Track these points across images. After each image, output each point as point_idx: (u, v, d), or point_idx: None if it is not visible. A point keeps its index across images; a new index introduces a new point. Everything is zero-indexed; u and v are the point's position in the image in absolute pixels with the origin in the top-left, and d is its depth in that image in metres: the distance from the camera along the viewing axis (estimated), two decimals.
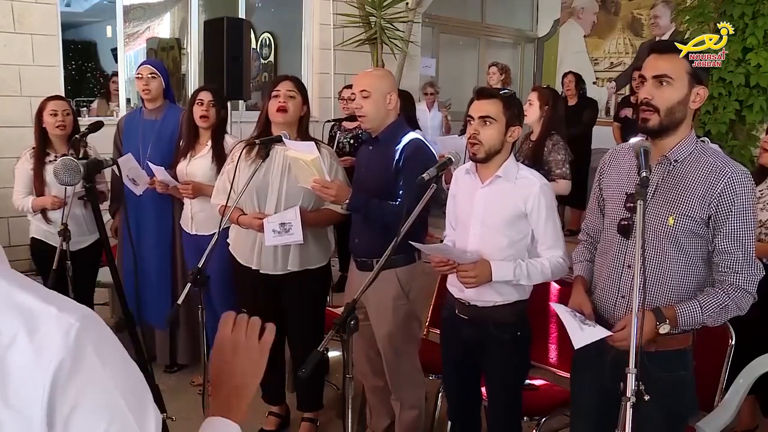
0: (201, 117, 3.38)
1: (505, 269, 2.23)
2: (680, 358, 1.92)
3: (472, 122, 2.29)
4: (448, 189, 2.56)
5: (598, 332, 1.84)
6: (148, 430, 0.74)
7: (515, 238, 2.29)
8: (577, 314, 1.93)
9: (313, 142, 2.71)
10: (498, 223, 2.29)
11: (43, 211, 3.49)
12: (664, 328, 1.79)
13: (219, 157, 3.33)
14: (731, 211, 1.79)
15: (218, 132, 3.42)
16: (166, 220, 3.67)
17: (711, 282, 1.89)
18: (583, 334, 1.84)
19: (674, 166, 1.87)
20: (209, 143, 3.40)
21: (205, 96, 3.41)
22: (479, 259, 2.25)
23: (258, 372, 1.09)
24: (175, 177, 3.41)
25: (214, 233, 3.30)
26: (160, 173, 3.34)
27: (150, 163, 3.41)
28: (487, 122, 2.25)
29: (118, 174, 2.94)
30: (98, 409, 0.69)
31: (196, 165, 3.39)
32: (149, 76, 3.61)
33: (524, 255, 2.31)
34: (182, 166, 3.42)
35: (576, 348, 1.84)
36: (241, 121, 6.09)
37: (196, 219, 3.43)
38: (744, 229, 1.80)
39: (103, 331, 0.74)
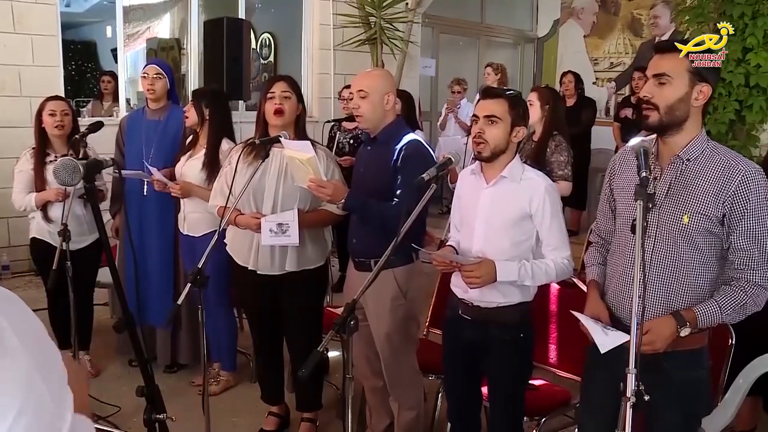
0: (185, 116, 3.45)
1: (509, 269, 2.22)
2: (698, 357, 1.92)
3: (477, 121, 2.29)
4: (453, 189, 2.56)
5: (622, 337, 1.83)
6: (65, 411, 0.69)
7: (520, 238, 2.29)
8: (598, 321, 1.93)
9: (309, 142, 2.72)
10: (503, 223, 2.28)
11: (45, 210, 3.50)
12: (685, 332, 1.81)
13: (210, 161, 3.32)
14: (746, 209, 1.81)
15: (212, 134, 3.37)
16: (168, 220, 3.67)
17: (723, 279, 1.90)
18: (608, 338, 1.84)
19: (687, 165, 1.88)
20: (206, 145, 3.40)
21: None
22: (483, 258, 2.25)
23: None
24: (173, 175, 3.44)
25: (205, 234, 3.31)
26: (155, 173, 3.34)
27: (145, 163, 3.43)
28: (493, 121, 2.25)
29: (118, 175, 2.95)
30: (12, 390, 0.64)
31: (190, 166, 3.39)
32: (155, 76, 3.62)
33: (528, 256, 2.30)
34: (179, 166, 3.44)
35: (603, 353, 1.83)
36: (241, 122, 6.08)
37: (189, 220, 3.44)
38: (759, 227, 1.82)
39: (19, 307, 0.71)
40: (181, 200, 3.43)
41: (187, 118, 3.44)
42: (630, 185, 1.98)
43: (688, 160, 1.88)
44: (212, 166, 3.30)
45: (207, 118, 3.37)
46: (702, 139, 1.90)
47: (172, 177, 3.44)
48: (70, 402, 0.70)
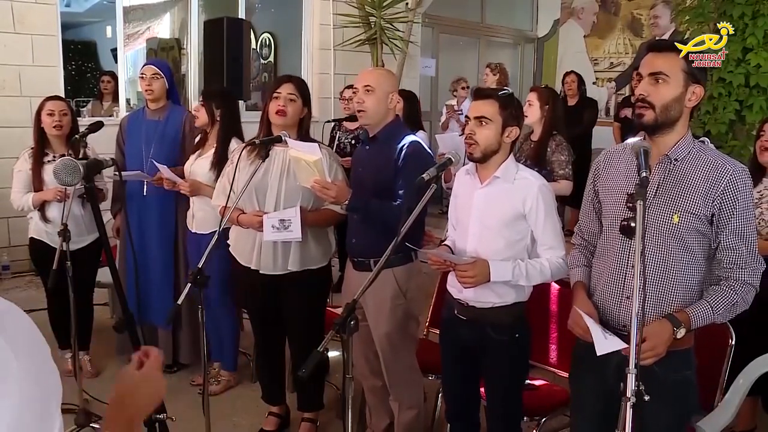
0: (195, 116, 3.47)
1: (503, 269, 2.22)
2: (685, 357, 1.93)
3: (469, 122, 2.29)
4: (447, 189, 2.57)
5: (620, 343, 1.83)
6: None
7: (514, 238, 2.29)
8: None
9: (316, 144, 2.72)
10: (496, 223, 2.28)
11: (42, 210, 3.50)
12: (680, 333, 1.81)
13: (219, 161, 3.32)
14: (735, 208, 1.83)
15: (222, 134, 3.39)
16: (168, 219, 3.68)
17: (712, 279, 1.90)
18: (607, 342, 1.84)
19: (675, 164, 1.89)
20: (215, 145, 3.40)
21: (201, 97, 3.51)
22: (477, 258, 2.25)
23: (160, 396, 1.23)
24: (182, 173, 3.45)
25: (213, 232, 3.32)
26: (165, 171, 3.35)
27: (154, 161, 3.43)
28: (483, 123, 2.25)
29: (118, 175, 2.95)
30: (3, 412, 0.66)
31: (199, 165, 3.41)
32: (152, 76, 3.62)
33: (523, 256, 2.30)
34: (188, 164, 3.46)
35: (598, 355, 1.83)
36: (241, 122, 6.09)
37: (197, 218, 3.45)
38: (747, 225, 1.85)
39: (21, 325, 0.72)
40: (191, 199, 3.45)
41: (196, 118, 3.46)
42: (617, 185, 1.98)
43: (676, 159, 1.88)
44: (221, 165, 3.30)
45: (218, 118, 3.40)
46: (689, 139, 1.91)
47: (180, 176, 3.45)
48: (56, 424, 0.72)
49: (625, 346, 1.80)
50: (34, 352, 0.72)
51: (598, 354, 1.83)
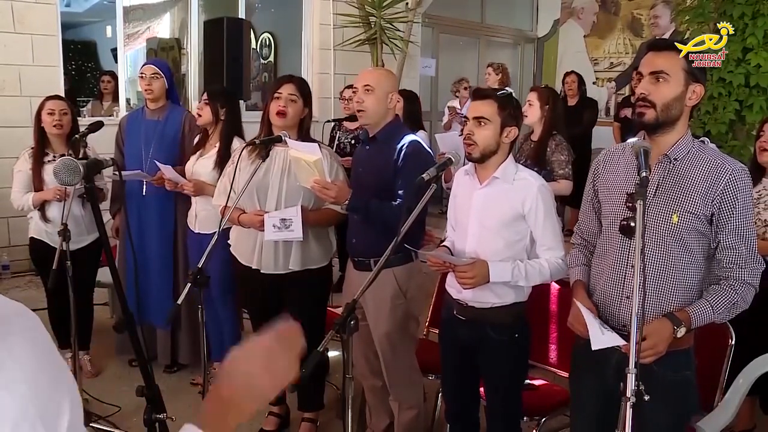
0: (197, 114, 3.46)
1: (502, 270, 2.22)
2: (684, 357, 1.93)
3: (468, 123, 2.30)
4: (447, 189, 2.57)
5: (617, 339, 1.83)
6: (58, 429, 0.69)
7: (513, 239, 2.29)
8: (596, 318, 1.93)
9: (316, 144, 2.72)
10: (495, 224, 2.28)
11: (42, 210, 3.50)
12: (681, 332, 1.81)
13: (222, 160, 3.33)
14: (735, 208, 1.82)
15: (226, 133, 3.39)
16: (168, 219, 3.68)
17: (712, 278, 1.90)
18: (604, 337, 1.84)
19: (674, 164, 1.89)
20: (217, 144, 3.40)
21: (204, 96, 3.48)
22: (476, 259, 2.25)
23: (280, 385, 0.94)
24: (183, 174, 3.44)
25: (215, 232, 3.33)
26: (169, 171, 3.35)
27: (157, 162, 3.43)
28: (482, 123, 2.25)
29: (118, 175, 2.94)
30: (5, 410, 0.64)
31: (202, 164, 3.40)
32: (152, 75, 3.62)
33: (522, 256, 2.30)
34: (189, 164, 3.45)
35: (594, 349, 1.83)
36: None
37: (199, 217, 3.45)
38: (747, 225, 1.85)
39: (30, 325, 0.71)
40: (193, 199, 3.44)
41: (199, 116, 3.46)
42: (616, 185, 1.99)
43: (675, 159, 1.88)
44: (224, 164, 3.31)
45: (222, 118, 3.39)
46: (688, 138, 1.91)
47: (181, 176, 3.45)
48: (64, 421, 0.69)
49: (623, 342, 1.80)
50: (44, 356, 0.72)
51: (593, 348, 1.83)
